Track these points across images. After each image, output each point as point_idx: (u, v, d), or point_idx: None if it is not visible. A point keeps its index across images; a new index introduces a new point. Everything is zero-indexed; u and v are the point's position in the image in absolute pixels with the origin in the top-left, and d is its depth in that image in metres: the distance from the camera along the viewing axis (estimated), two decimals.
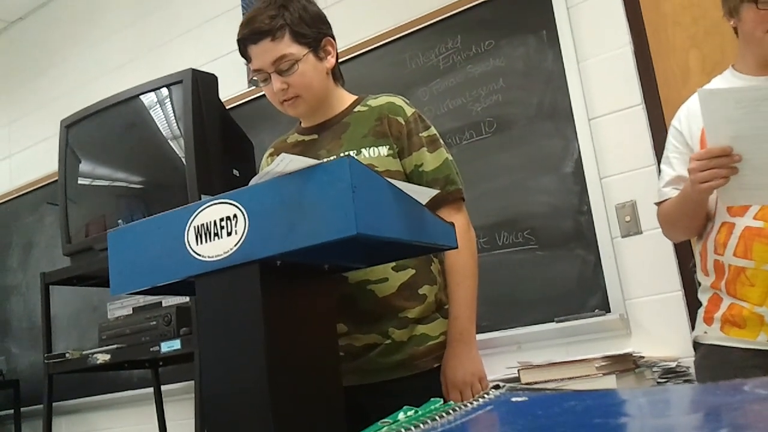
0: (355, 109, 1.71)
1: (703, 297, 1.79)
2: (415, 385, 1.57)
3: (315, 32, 1.64)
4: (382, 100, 1.70)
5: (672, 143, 1.82)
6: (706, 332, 1.76)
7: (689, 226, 1.79)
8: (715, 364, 1.72)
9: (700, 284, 1.82)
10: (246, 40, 1.62)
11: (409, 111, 1.68)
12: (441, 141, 1.70)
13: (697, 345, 1.80)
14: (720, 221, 1.70)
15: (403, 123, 1.65)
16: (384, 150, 1.63)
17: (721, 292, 1.71)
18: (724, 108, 1.52)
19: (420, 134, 1.66)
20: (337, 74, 1.74)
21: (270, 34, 1.59)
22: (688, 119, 1.78)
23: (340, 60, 1.75)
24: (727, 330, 1.69)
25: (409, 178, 1.62)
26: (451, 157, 1.69)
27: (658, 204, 1.83)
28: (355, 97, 1.75)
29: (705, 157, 1.55)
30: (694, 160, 1.58)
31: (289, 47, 1.60)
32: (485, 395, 0.72)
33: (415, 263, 1.62)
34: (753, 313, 1.65)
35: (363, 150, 1.62)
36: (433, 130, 1.70)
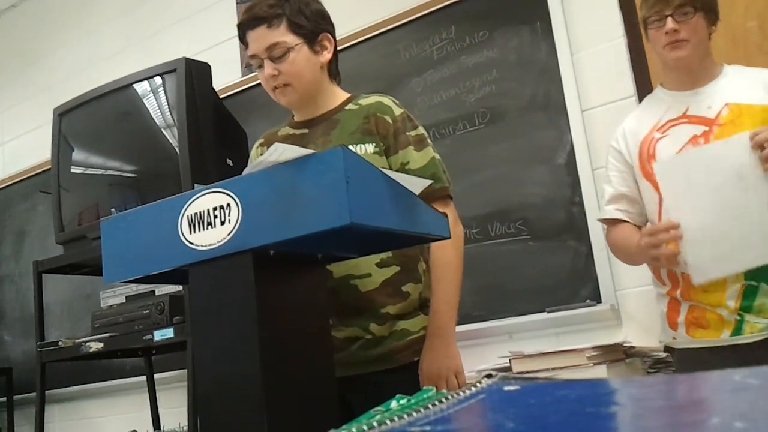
0: (346, 107, 1.74)
1: (662, 304, 1.88)
2: (396, 377, 1.59)
3: (313, 25, 1.69)
4: (372, 99, 1.74)
5: (612, 163, 1.92)
6: (675, 338, 1.84)
7: (638, 263, 1.92)
8: (691, 367, 1.79)
9: (656, 293, 1.92)
10: (244, 26, 1.68)
11: (398, 111, 1.71)
12: (429, 140, 1.73)
13: (670, 350, 1.89)
14: None
15: (391, 122, 1.68)
16: (370, 147, 1.66)
17: (678, 297, 1.80)
18: (681, 175, 1.67)
19: (407, 133, 1.69)
20: (333, 71, 1.77)
21: (266, 21, 1.64)
22: (625, 138, 1.89)
23: None
24: (693, 332, 1.78)
25: None
26: (438, 156, 1.71)
27: (602, 221, 1.97)
28: (348, 95, 1.78)
29: (654, 233, 1.69)
30: (645, 235, 1.71)
31: (283, 36, 1.65)
32: (477, 384, 0.73)
33: (401, 260, 1.64)
34: (714, 313, 1.73)
35: (350, 147, 1.63)
36: (421, 130, 1.72)
